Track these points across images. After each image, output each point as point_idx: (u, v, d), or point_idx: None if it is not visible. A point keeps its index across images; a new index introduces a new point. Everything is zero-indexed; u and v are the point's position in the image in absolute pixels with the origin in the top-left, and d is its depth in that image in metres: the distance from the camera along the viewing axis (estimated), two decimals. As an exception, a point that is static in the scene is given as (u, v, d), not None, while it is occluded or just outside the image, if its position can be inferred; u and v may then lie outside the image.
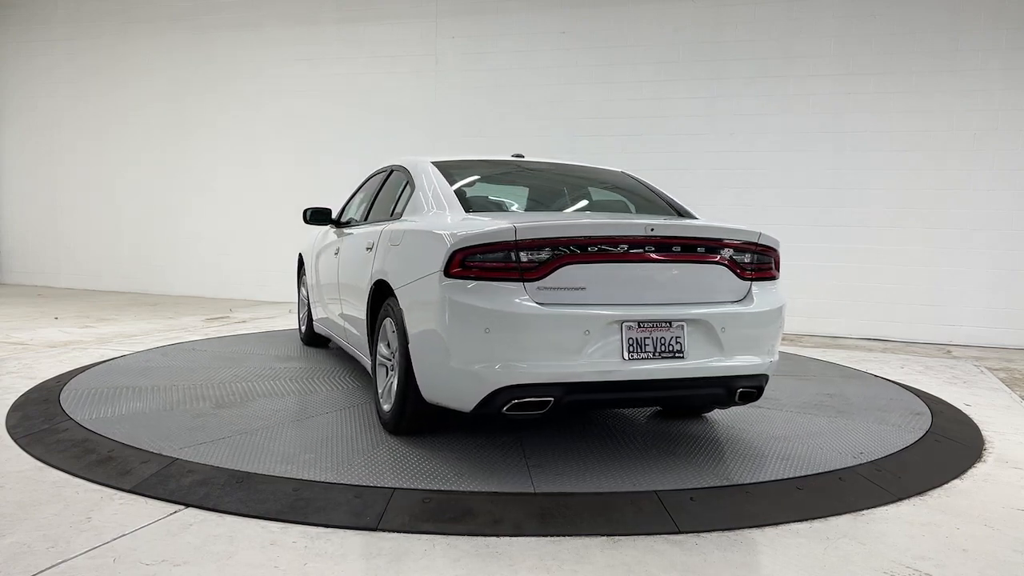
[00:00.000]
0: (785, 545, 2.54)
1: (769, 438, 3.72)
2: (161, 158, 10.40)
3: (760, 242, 3.32)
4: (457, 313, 2.96)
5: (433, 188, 3.79)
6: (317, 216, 5.10)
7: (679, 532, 2.61)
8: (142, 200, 10.54)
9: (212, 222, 10.19)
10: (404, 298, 3.35)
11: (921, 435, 3.84)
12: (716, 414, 4.15)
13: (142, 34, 10.37)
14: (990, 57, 7.33)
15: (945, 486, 3.18)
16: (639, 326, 3.01)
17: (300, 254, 6.31)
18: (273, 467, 3.07)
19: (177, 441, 3.39)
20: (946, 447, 3.74)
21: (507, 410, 2.93)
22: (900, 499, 2.99)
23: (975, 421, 4.29)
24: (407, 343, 3.28)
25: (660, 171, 7.49)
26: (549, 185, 4.47)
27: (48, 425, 3.66)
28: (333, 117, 9.61)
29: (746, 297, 3.29)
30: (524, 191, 4.31)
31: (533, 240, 2.94)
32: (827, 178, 7.86)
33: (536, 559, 2.39)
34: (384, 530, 2.57)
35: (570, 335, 2.90)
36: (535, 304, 2.91)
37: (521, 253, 2.94)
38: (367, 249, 4.02)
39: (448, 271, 3.00)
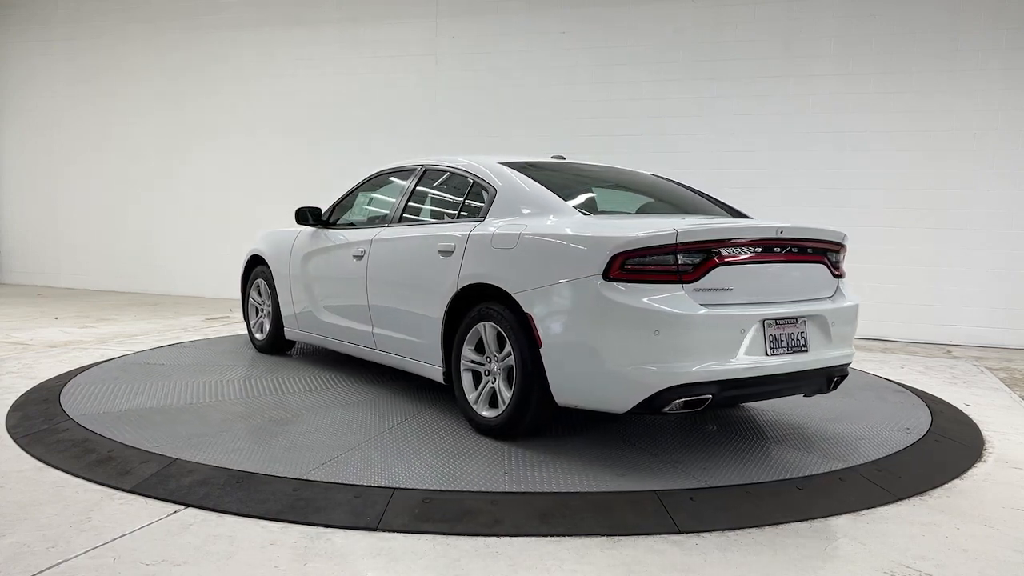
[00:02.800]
0: (785, 545, 2.54)
1: (769, 438, 3.72)
2: (161, 158, 10.40)
3: (843, 242, 3.63)
4: (622, 316, 3.00)
5: (531, 191, 3.74)
6: (315, 216, 5.03)
7: (679, 532, 2.61)
8: (142, 200, 10.54)
9: (212, 222, 10.19)
10: (533, 302, 3.28)
11: (921, 435, 3.84)
12: (713, 415, 4.15)
13: (142, 34, 10.37)
14: (990, 57, 7.33)
15: (945, 486, 3.18)
16: (776, 323, 3.21)
17: (253, 255, 5.79)
18: (273, 467, 3.07)
19: (177, 441, 3.39)
20: (946, 447, 3.74)
21: (668, 409, 3.02)
22: (900, 499, 2.99)
23: (975, 421, 4.29)
24: (536, 347, 3.26)
25: (660, 171, 7.48)
26: (610, 186, 4.40)
27: (48, 425, 3.66)
28: (333, 117, 9.60)
29: (836, 293, 3.61)
30: (594, 193, 4.20)
31: (690, 243, 3.06)
32: (827, 178, 7.86)
33: (536, 559, 2.39)
34: (384, 530, 2.57)
35: (728, 335, 3.06)
36: (699, 305, 3.02)
37: (679, 256, 3.05)
38: (441, 253, 3.85)
39: (607, 274, 3.03)
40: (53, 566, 2.26)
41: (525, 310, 3.31)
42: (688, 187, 4.54)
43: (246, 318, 5.93)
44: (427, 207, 4.53)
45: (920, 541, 2.60)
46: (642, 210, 4.10)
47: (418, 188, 4.51)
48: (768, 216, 7.83)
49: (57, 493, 2.85)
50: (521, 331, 3.34)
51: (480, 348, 3.64)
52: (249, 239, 10.09)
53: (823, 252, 3.52)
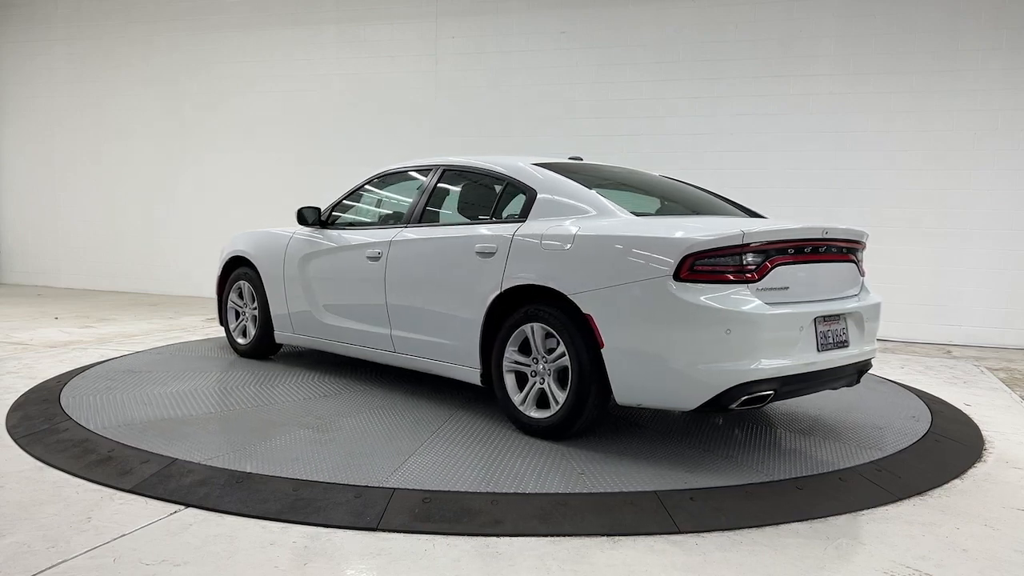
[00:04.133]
0: (785, 545, 2.54)
1: (769, 438, 3.72)
2: (161, 158, 10.40)
3: (866, 241, 3.78)
4: (694, 316, 3.06)
5: (575, 192, 3.73)
6: (316, 216, 4.92)
7: (679, 532, 2.61)
8: (142, 200, 10.53)
9: (212, 222, 10.18)
10: (594, 303, 3.30)
11: (921, 435, 3.84)
12: (714, 415, 4.15)
13: (142, 34, 10.36)
14: (990, 57, 7.33)
15: (945, 486, 3.18)
16: (824, 320, 3.35)
17: (234, 256, 5.53)
18: (273, 467, 3.07)
19: (177, 441, 3.39)
20: (946, 447, 3.74)
21: (734, 406, 3.11)
22: (900, 499, 2.99)
23: (975, 421, 4.29)
24: (596, 347, 3.30)
25: (660, 171, 7.48)
26: (632, 187, 4.37)
27: (48, 425, 3.66)
28: (333, 117, 9.60)
29: (862, 290, 3.78)
30: (626, 195, 4.18)
31: (755, 244, 3.17)
32: (827, 178, 7.86)
33: (536, 559, 2.39)
34: (384, 530, 2.57)
35: (789, 333, 3.18)
36: (765, 305, 3.12)
37: (744, 256, 3.15)
38: (479, 254, 3.80)
39: (678, 275, 3.09)
40: (53, 566, 2.26)
41: (584, 311, 3.32)
42: (700, 188, 4.54)
43: (224, 322, 5.68)
44: (451, 208, 4.44)
45: (920, 541, 2.60)
46: (661, 211, 4.10)
47: (438, 188, 4.43)
48: (775, 216, 7.84)
49: (57, 493, 2.85)
50: (577, 332, 3.36)
51: (524, 349, 3.65)
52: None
53: (853, 251, 3.68)
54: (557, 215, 3.66)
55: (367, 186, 4.98)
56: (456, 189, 4.47)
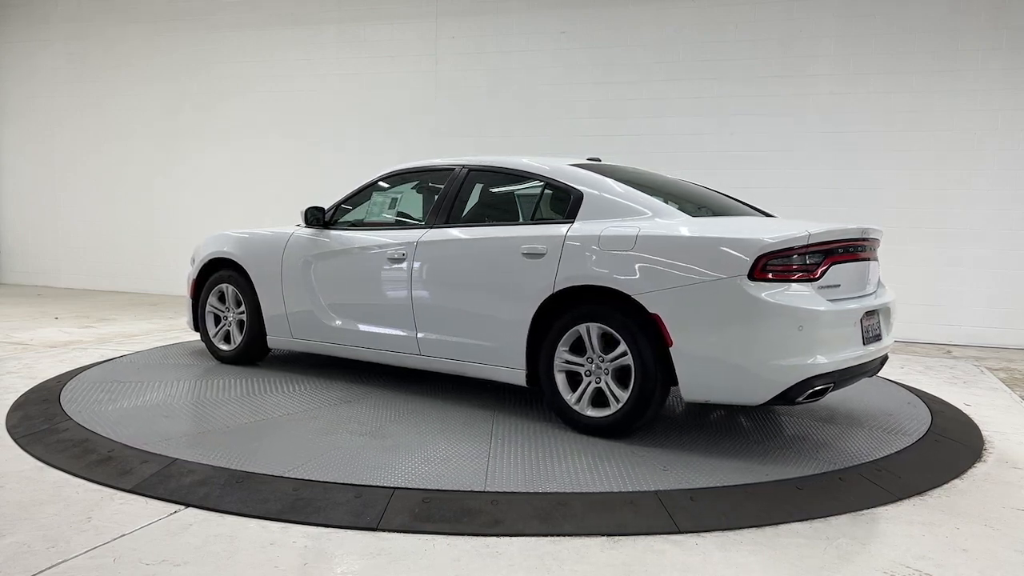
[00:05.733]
0: (785, 545, 2.54)
1: (769, 438, 3.72)
2: (161, 157, 10.40)
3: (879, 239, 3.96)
4: (769, 313, 3.19)
5: (624, 193, 3.79)
6: (323, 215, 4.78)
7: (679, 532, 2.61)
8: (142, 200, 10.53)
9: (212, 222, 10.16)
10: (661, 303, 3.36)
11: (921, 435, 3.84)
12: (715, 414, 4.15)
13: (142, 34, 10.36)
14: (990, 57, 7.33)
15: (945, 486, 3.18)
16: (867, 315, 3.55)
17: (215, 258, 5.24)
18: (273, 467, 3.07)
19: (177, 441, 3.40)
20: (946, 447, 3.74)
21: (800, 400, 3.27)
22: (900, 499, 2.99)
23: (975, 421, 4.29)
24: (664, 346, 3.38)
25: (660, 171, 7.48)
26: (663, 189, 4.33)
27: (48, 425, 3.66)
28: (333, 117, 9.60)
29: (880, 286, 4.00)
30: (661, 196, 4.16)
31: (818, 244, 3.34)
32: (827, 178, 7.86)
33: (536, 559, 2.39)
34: (384, 530, 2.57)
35: (847, 328, 3.39)
36: (828, 301, 3.31)
37: (807, 256, 3.32)
38: (526, 255, 3.79)
39: (752, 274, 3.21)
40: (53, 566, 2.26)
41: (651, 310, 3.39)
42: (711, 189, 4.57)
43: (201, 328, 5.37)
44: (482, 208, 4.38)
45: (920, 541, 2.61)
46: (696, 213, 4.07)
47: (465, 188, 4.34)
48: (781, 217, 7.83)
49: (57, 493, 2.85)
50: (640, 331, 3.43)
51: (576, 349, 3.68)
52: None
53: (875, 250, 3.86)
54: (608, 216, 3.71)
55: (379, 185, 4.81)
56: (486, 189, 4.42)
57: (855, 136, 7.74)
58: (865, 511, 2.86)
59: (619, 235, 3.55)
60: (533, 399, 4.37)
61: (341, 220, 4.81)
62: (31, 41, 10.88)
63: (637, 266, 3.46)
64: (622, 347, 3.49)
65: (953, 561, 2.45)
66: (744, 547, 2.51)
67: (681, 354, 3.34)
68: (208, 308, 5.31)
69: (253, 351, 5.14)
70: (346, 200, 4.86)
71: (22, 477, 3.01)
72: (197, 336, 6.45)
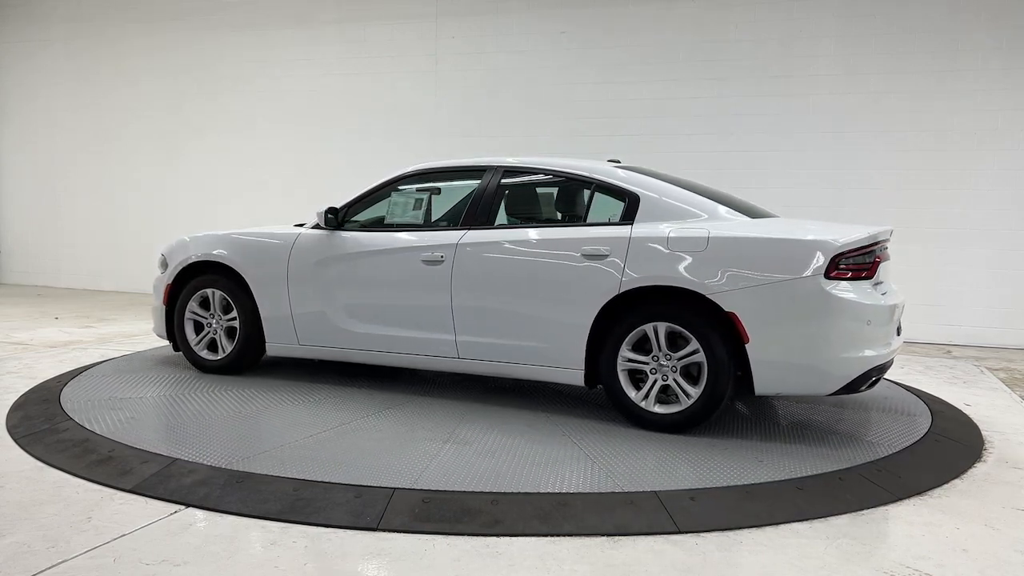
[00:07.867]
0: (785, 545, 2.54)
1: (769, 438, 3.72)
2: (161, 157, 10.39)
3: None
4: (844, 309, 3.45)
5: (680, 194, 3.94)
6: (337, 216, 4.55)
7: (679, 532, 2.61)
8: (142, 200, 10.53)
9: (212, 222, 10.16)
10: (738, 301, 3.52)
11: (921, 435, 3.84)
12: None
13: (142, 34, 10.36)
14: (990, 57, 7.32)
15: (945, 486, 3.18)
16: (896, 310, 3.79)
17: (197, 261, 4.92)
18: (273, 467, 3.07)
19: (177, 441, 3.40)
20: (946, 447, 3.74)
21: (862, 388, 3.56)
22: (900, 499, 2.99)
23: (975, 421, 4.29)
24: (740, 343, 3.53)
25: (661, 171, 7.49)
26: (697, 191, 4.29)
27: (48, 425, 3.66)
28: (333, 117, 9.60)
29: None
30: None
31: (872, 244, 3.62)
32: (827, 178, 7.85)
33: (536, 559, 2.39)
34: (384, 530, 2.57)
35: (893, 322, 3.72)
36: (882, 296, 3.63)
37: (867, 256, 3.60)
38: (587, 256, 3.81)
39: (827, 273, 3.44)
40: (53, 566, 2.26)
41: (727, 309, 3.54)
42: (716, 190, 4.57)
43: (179, 336, 4.97)
44: (525, 210, 4.36)
45: (920, 541, 2.61)
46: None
47: (502, 190, 4.28)
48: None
49: (57, 493, 2.85)
50: (712, 329, 3.57)
51: (639, 348, 3.77)
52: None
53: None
54: (667, 218, 3.84)
55: (398, 186, 4.62)
56: (527, 191, 4.40)
57: (855, 136, 7.74)
58: (865, 511, 2.86)
59: (689, 236, 3.67)
60: (533, 398, 4.37)
61: (355, 220, 4.63)
62: (31, 41, 10.88)
63: (712, 266, 3.59)
64: (693, 344, 3.61)
65: (953, 561, 2.45)
66: (744, 547, 2.51)
67: (757, 350, 3.51)
68: (188, 315, 4.93)
69: (246, 360, 4.84)
70: (360, 199, 4.64)
71: (22, 477, 3.01)
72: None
